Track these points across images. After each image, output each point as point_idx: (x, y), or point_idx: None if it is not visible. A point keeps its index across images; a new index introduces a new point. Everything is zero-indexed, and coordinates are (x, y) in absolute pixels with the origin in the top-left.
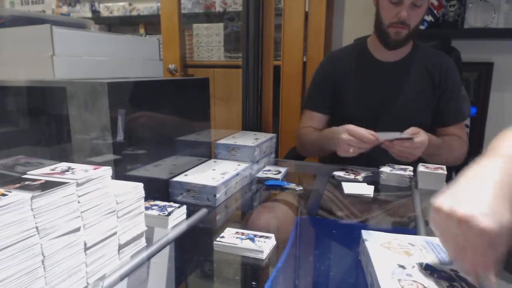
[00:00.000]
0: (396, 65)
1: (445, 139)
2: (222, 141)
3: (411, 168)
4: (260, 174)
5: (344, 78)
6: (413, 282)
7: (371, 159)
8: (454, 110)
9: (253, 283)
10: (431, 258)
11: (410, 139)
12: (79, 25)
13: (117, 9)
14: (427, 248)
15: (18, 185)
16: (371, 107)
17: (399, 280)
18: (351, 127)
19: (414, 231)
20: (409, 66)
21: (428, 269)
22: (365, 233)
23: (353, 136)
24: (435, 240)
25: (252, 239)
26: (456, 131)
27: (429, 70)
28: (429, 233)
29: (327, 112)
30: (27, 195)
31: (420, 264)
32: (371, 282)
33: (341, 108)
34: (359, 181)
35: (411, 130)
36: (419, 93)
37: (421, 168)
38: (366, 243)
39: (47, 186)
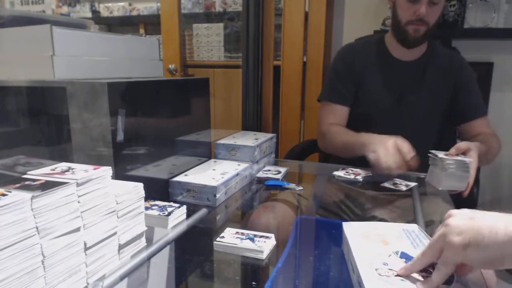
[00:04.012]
0: (413, 65)
1: (484, 141)
2: (222, 141)
3: None
4: (260, 174)
5: (362, 72)
6: (389, 270)
7: None
8: (474, 104)
9: (253, 283)
10: (406, 246)
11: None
12: (79, 25)
13: (117, 9)
14: (403, 236)
15: (18, 185)
16: (384, 105)
17: (376, 269)
18: (400, 142)
19: None
20: (425, 65)
21: (403, 258)
22: (345, 225)
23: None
24: (410, 227)
25: (252, 239)
26: (482, 127)
27: (444, 70)
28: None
29: (349, 105)
30: (27, 195)
31: (396, 253)
32: (352, 269)
33: (355, 103)
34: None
35: (461, 147)
36: (435, 94)
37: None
38: (346, 234)
39: (47, 186)
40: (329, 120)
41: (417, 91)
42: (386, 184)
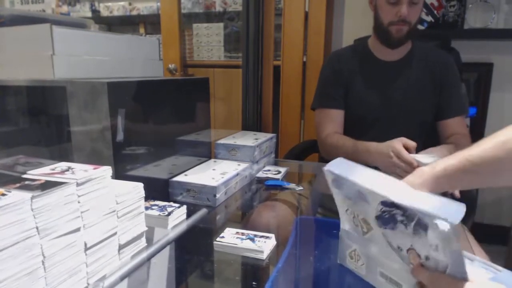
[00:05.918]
0: (398, 64)
1: (455, 144)
2: (222, 141)
3: None
4: (260, 174)
5: (350, 77)
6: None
7: None
8: (454, 103)
9: (254, 283)
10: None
11: None
12: (79, 24)
13: (117, 8)
14: None
15: (18, 185)
16: (373, 107)
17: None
18: (397, 148)
19: None
20: (410, 64)
21: None
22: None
23: (398, 158)
24: None
25: (252, 239)
26: (457, 126)
27: (429, 67)
28: None
29: (343, 108)
30: (27, 195)
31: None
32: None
33: (346, 107)
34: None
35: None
36: (421, 91)
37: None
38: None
39: (47, 186)
40: (327, 127)
41: (404, 90)
42: None
